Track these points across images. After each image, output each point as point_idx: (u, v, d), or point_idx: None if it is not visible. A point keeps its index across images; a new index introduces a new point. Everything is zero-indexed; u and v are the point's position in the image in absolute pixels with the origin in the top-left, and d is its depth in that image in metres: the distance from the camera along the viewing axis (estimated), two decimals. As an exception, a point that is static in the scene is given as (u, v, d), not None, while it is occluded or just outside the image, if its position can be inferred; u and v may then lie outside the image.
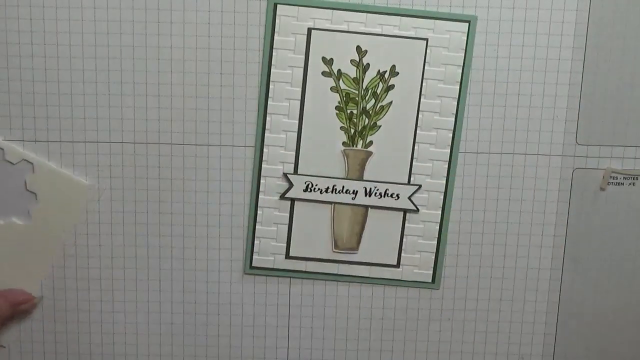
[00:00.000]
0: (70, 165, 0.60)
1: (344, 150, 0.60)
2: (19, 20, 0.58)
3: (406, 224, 0.61)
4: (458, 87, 0.58)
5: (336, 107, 0.59)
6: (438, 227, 0.61)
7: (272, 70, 0.58)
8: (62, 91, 0.59)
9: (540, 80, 0.59)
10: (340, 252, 0.61)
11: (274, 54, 0.58)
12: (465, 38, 0.57)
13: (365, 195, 0.60)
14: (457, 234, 0.61)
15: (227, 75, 0.59)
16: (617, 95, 0.59)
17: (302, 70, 0.58)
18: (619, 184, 0.60)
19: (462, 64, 0.58)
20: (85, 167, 0.60)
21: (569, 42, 0.58)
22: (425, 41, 0.57)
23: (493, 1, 0.58)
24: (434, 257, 0.61)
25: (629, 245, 0.61)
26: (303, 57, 0.58)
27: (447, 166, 0.60)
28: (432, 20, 0.57)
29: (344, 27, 0.57)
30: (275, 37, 0.57)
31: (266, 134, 0.59)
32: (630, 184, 0.60)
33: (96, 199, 0.61)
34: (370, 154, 0.59)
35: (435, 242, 0.61)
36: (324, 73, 0.58)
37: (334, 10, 0.57)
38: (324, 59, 0.58)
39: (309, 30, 0.57)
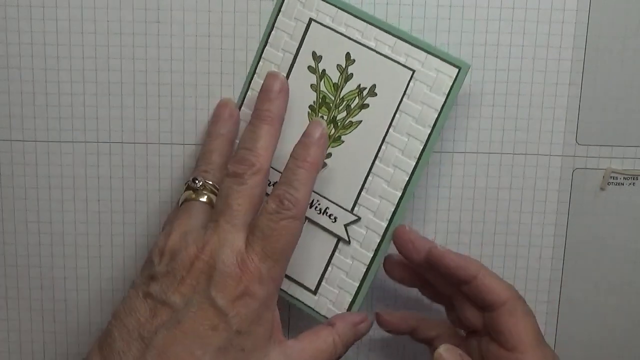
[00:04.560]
0: (70, 165, 0.60)
1: None
2: (19, 20, 0.58)
3: (335, 254, 0.56)
4: (429, 132, 0.54)
5: (310, 107, 0.57)
6: (365, 270, 0.56)
7: (266, 47, 0.57)
8: (62, 91, 0.59)
9: (540, 80, 0.59)
10: None
11: (273, 32, 0.57)
12: (451, 83, 0.54)
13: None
14: (457, 234, 0.61)
15: (227, 75, 0.59)
16: (617, 95, 0.59)
17: (292, 56, 0.57)
18: (619, 184, 0.60)
19: (439, 109, 0.54)
20: (85, 167, 0.60)
21: (569, 42, 0.58)
22: (411, 72, 0.54)
23: (493, 1, 0.57)
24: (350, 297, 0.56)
25: (629, 245, 0.61)
26: (297, 44, 0.57)
27: (392, 209, 0.55)
28: (425, 53, 0.54)
29: (342, 29, 0.56)
30: (280, 16, 0.57)
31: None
32: (630, 184, 0.60)
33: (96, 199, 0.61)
34: (324, 165, 0.56)
35: (359, 283, 0.56)
36: (309, 68, 0.57)
37: (339, 10, 0.56)
38: (314, 53, 0.57)
39: (310, 20, 0.56)
